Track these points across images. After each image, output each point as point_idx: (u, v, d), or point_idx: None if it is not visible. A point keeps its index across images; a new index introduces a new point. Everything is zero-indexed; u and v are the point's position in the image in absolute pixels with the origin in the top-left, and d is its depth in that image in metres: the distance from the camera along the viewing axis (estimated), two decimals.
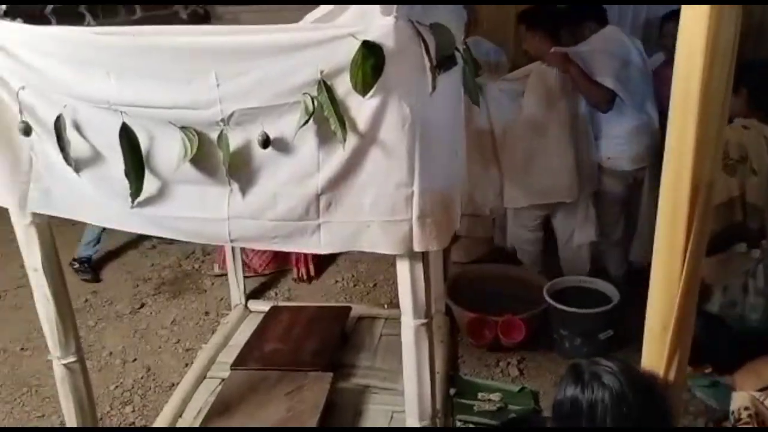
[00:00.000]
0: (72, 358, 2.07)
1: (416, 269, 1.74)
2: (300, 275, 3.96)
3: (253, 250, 3.87)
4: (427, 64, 1.49)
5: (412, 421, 1.91)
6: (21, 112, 1.68)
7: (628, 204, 3.53)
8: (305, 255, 3.86)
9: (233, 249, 3.43)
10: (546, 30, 3.31)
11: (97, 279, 4.09)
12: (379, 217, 1.65)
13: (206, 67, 1.55)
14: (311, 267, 3.97)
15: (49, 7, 1.79)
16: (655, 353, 1.46)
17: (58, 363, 2.06)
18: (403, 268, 1.75)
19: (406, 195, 1.62)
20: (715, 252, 2.59)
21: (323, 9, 1.54)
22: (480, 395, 2.84)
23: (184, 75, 1.57)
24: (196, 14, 2.56)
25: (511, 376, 3.02)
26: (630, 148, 3.30)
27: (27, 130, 1.68)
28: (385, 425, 2.67)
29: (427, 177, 1.60)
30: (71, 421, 2.15)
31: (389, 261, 3.84)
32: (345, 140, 1.54)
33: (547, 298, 3.09)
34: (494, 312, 3.11)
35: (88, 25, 1.85)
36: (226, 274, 3.66)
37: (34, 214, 1.85)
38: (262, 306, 3.51)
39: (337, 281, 3.94)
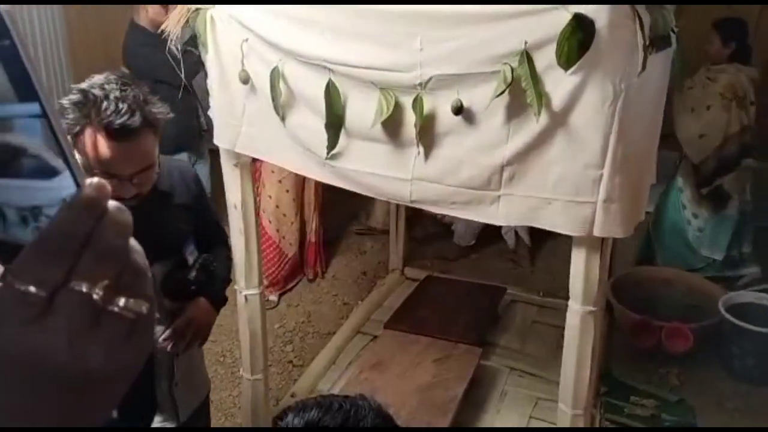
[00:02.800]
0: (253, 291, 2.27)
1: (592, 254, 1.70)
2: (314, 275, 3.87)
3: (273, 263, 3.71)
4: (640, 43, 1.43)
5: (564, 407, 1.88)
6: (242, 61, 1.85)
7: None
8: (316, 257, 3.84)
9: (397, 215, 3.55)
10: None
11: None
12: (563, 196, 1.63)
13: (413, 31, 1.61)
14: (319, 269, 3.87)
15: None
16: None
17: (241, 293, 2.28)
18: (579, 252, 1.71)
19: (594, 177, 1.58)
20: (733, 168, 3.54)
21: None
22: (633, 398, 2.72)
23: (391, 38, 1.64)
24: None
25: (669, 385, 2.86)
26: None
27: (245, 79, 1.85)
28: (529, 410, 2.66)
29: (619, 160, 1.55)
30: (245, 346, 2.37)
31: (551, 249, 3.78)
32: (540, 114, 1.53)
33: (722, 311, 2.87)
34: (660, 317, 2.94)
35: None
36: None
37: (240, 156, 2.05)
38: (418, 274, 3.60)
39: (494, 262, 3.94)
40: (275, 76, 1.80)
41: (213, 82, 1.97)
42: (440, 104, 1.68)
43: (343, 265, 3.95)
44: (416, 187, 1.80)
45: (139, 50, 3.62)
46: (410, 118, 1.72)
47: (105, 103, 1.38)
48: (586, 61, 1.47)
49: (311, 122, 1.84)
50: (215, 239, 1.91)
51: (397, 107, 1.73)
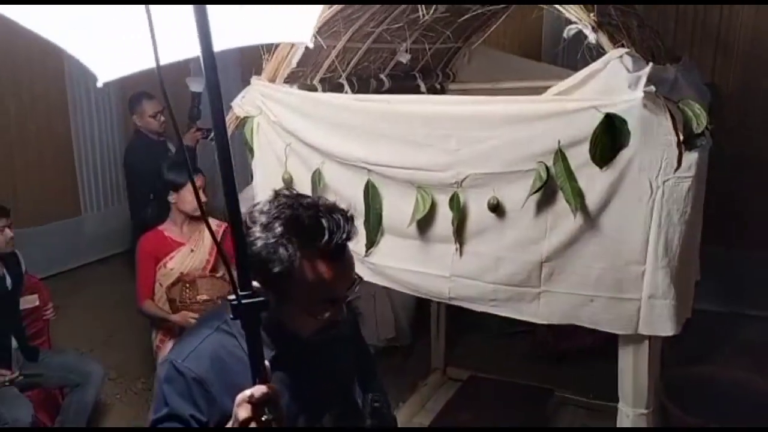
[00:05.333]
0: None
1: (640, 353, 1.64)
2: None
3: None
4: (674, 140, 1.44)
5: None
6: (285, 164, 1.93)
7: None
8: None
9: (438, 312, 3.51)
10: None
11: None
12: (605, 292, 1.60)
13: (448, 133, 1.66)
14: None
15: (317, 77, 2.07)
16: None
17: None
18: (625, 351, 1.66)
19: (636, 273, 1.55)
20: None
21: (565, 83, 1.58)
22: None
23: (427, 139, 1.70)
24: (434, 88, 2.76)
25: None
26: None
27: (289, 181, 1.93)
28: None
29: (661, 256, 1.53)
30: None
31: (597, 348, 3.63)
32: (578, 211, 1.54)
33: None
34: (719, 419, 2.76)
35: (346, 93, 2.09)
36: None
37: None
38: (460, 374, 3.50)
39: (541, 357, 3.81)
40: (316, 177, 1.87)
41: (258, 184, 2.05)
42: (477, 202, 1.71)
43: (383, 364, 3.87)
44: (455, 284, 1.80)
45: (139, 157, 3.84)
46: (447, 215, 1.74)
47: (324, 221, 1.15)
48: (621, 158, 1.49)
49: None
50: (371, 371, 1.58)
51: (434, 205, 1.76)
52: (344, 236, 1.16)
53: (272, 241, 1.13)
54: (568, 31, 1.57)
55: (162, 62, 0.81)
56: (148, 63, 0.95)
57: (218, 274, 2.90)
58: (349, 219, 1.19)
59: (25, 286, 2.95)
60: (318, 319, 1.20)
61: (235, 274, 0.97)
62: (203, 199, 2.84)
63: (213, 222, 2.93)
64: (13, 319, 2.86)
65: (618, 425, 1.71)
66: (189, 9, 0.84)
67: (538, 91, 1.76)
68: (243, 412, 0.99)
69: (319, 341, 1.26)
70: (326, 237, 1.14)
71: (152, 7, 0.80)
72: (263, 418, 0.99)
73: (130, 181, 4.05)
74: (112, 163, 5.30)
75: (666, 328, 1.56)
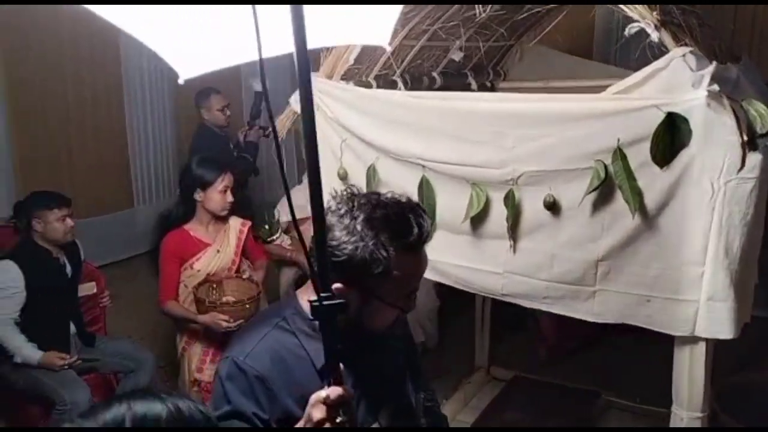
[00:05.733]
0: None
1: (696, 356, 1.62)
2: None
3: None
4: (737, 141, 1.42)
5: None
6: (341, 159, 1.97)
7: None
8: None
9: (483, 311, 3.50)
10: None
11: None
12: (662, 293, 1.58)
13: (504, 130, 1.67)
14: None
15: (372, 74, 2.09)
16: None
17: None
18: (681, 353, 1.64)
19: (695, 274, 1.53)
20: None
21: (625, 82, 1.57)
22: None
23: (483, 136, 1.71)
24: (484, 86, 2.76)
25: None
26: None
27: (344, 176, 1.96)
28: None
29: (721, 258, 1.50)
30: None
31: (647, 349, 3.57)
32: (637, 211, 1.52)
33: None
34: None
35: (400, 89, 2.11)
36: None
37: None
38: (505, 374, 3.49)
39: (586, 361, 3.76)
40: (371, 173, 1.90)
41: None
42: (532, 199, 1.71)
43: (427, 362, 3.88)
44: (508, 280, 1.80)
45: (204, 148, 3.86)
46: (501, 212, 1.75)
47: (411, 217, 1.16)
48: (681, 159, 1.48)
49: None
50: (419, 369, 1.51)
51: (489, 202, 1.77)
52: (429, 228, 1.18)
53: (370, 243, 1.12)
54: (630, 29, 1.55)
55: (246, 60, 0.85)
56: (226, 61, 0.98)
57: (244, 276, 2.85)
58: (425, 211, 1.21)
59: (83, 274, 3.07)
60: (403, 310, 1.22)
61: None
62: (230, 199, 2.73)
63: (237, 220, 2.88)
64: (72, 305, 2.97)
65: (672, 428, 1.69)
66: (272, 10, 0.86)
67: (590, 89, 1.75)
68: (318, 412, 0.98)
69: (385, 335, 1.27)
70: (416, 231, 1.15)
71: (249, 7, 0.83)
72: (338, 420, 0.99)
73: None
74: (163, 158, 5.45)
75: (724, 331, 1.53)
